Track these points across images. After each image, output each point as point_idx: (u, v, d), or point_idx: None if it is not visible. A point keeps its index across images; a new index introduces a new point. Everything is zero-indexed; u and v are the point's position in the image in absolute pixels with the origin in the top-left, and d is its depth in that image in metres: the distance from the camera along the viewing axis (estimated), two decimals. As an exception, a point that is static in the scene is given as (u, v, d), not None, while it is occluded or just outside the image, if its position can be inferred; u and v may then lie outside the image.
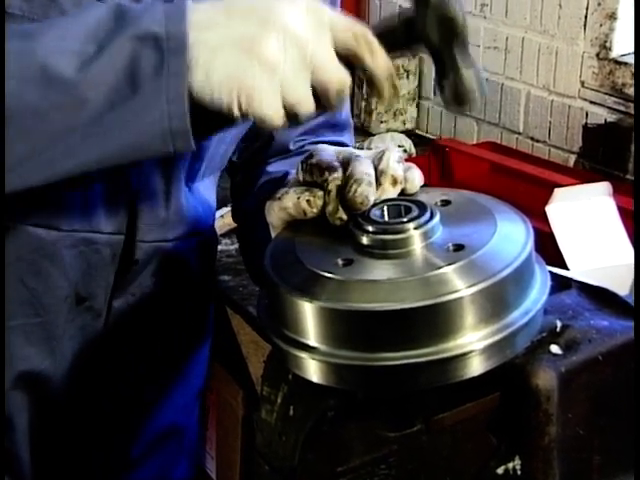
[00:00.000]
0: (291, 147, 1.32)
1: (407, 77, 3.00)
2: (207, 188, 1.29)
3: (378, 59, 0.89)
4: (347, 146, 1.26)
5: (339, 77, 0.88)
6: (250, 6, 0.88)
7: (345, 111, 1.38)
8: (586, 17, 2.45)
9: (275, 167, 1.29)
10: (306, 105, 0.87)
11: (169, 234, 1.20)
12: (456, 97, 0.90)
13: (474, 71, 0.91)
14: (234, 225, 2.09)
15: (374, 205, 0.92)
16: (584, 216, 1.89)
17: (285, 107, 0.87)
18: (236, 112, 0.86)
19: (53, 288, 1.15)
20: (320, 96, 0.88)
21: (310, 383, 0.86)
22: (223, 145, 1.25)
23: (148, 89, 0.86)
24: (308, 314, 0.84)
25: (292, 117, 0.88)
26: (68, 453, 1.27)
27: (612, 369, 0.90)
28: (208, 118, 0.88)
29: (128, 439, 1.32)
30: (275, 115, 0.86)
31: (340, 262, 0.87)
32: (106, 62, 0.86)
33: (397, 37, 0.92)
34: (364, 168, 0.92)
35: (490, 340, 0.82)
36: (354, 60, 0.89)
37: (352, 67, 0.90)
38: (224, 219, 2.13)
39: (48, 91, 0.87)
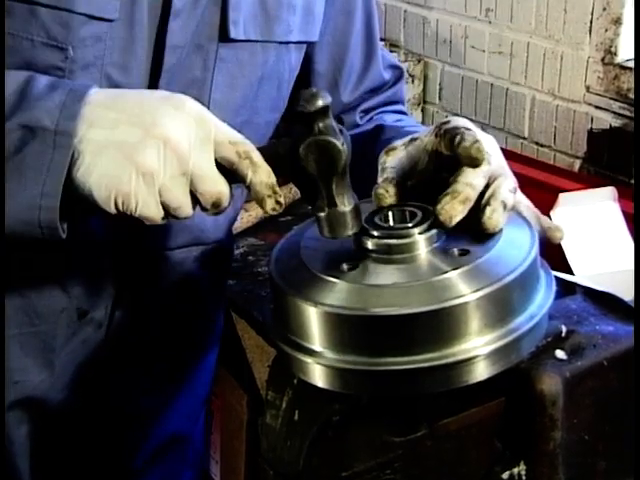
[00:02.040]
0: (359, 122, 1.35)
1: (412, 82, 3.00)
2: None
3: (260, 175, 0.90)
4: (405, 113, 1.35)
5: (217, 190, 0.90)
6: (139, 110, 0.90)
7: (385, 65, 1.39)
8: (591, 22, 2.45)
9: None
10: (185, 209, 0.91)
11: (171, 243, 1.20)
12: (330, 231, 0.90)
13: (351, 208, 0.89)
14: (257, 220, 2.10)
15: (378, 210, 0.92)
16: (589, 221, 1.89)
17: (164, 209, 0.90)
18: (113, 210, 0.89)
19: (47, 296, 1.14)
20: (199, 203, 0.91)
21: (315, 388, 0.86)
22: None
23: (28, 178, 0.90)
24: (313, 319, 0.84)
25: (172, 217, 0.91)
26: (68, 465, 1.26)
27: (617, 374, 0.90)
28: (87, 207, 0.91)
29: (130, 450, 1.31)
30: (154, 216, 0.90)
31: (345, 267, 0.87)
32: None
33: (283, 162, 0.92)
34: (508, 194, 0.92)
35: (495, 345, 0.82)
36: (235, 174, 0.91)
37: (236, 180, 0.91)
38: (249, 213, 2.13)
39: None
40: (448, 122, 0.96)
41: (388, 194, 0.92)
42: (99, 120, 0.90)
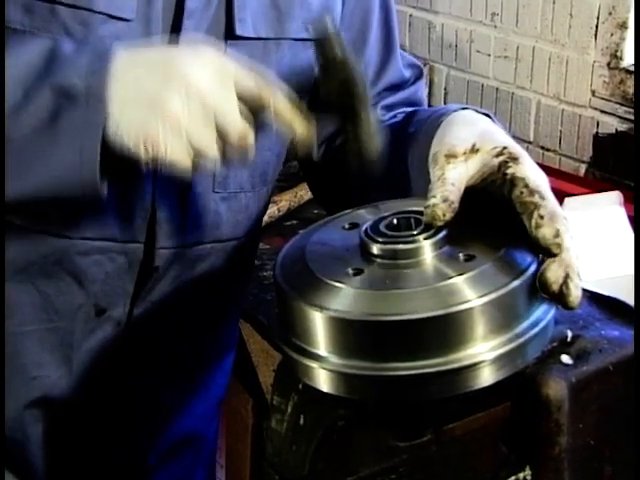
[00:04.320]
0: (382, 118, 1.33)
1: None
2: (249, 197, 1.27)
3: (281, 100, 0.95)
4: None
5: (241, 128, 0.94)
6: (159, 61, 0.96)
7: (404, 64, 1.39)
8: (597, 26, 2.45)
9: None
10: (212, 151, 0.94)
11: (188, 240, 1.20)
12: (359, 162, 0.94)
13: (376, 137, 0.93)
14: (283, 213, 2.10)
15: (384, 218, 0.92)
16: (595, 225, 1.89)
17: (192, 153, 0.93)
18: (145, 159, 0.93)
19: (65, 293, 1.15)
20: (224, 144, 0.95)
21: (320, 393, 0.86)
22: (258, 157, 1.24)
23: (65, 138, 0.94)
24: (318, 324, 0.84)
25: (200, 161, 0.95)
26: (83, 461, 1.26)
27: (623, 379, 0.90)
28: (123, 164, 0.95)
29: (144, 448, 1.32)
30: (182, 161, 0.93)
31: (351, 272, 0.87)
32: (30, 108, 0.95)
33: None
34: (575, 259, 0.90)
35: (501, 350, 0.82)
36: (258, 105, 0.95)
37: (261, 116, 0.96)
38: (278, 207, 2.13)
39: None
40: (514, 161, 0.93)
41: (444, 218, 0.89)
42: (123, 75, 0.94)
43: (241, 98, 0.95)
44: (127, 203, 1.13)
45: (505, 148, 0.94)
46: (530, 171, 0.92)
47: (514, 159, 0.93)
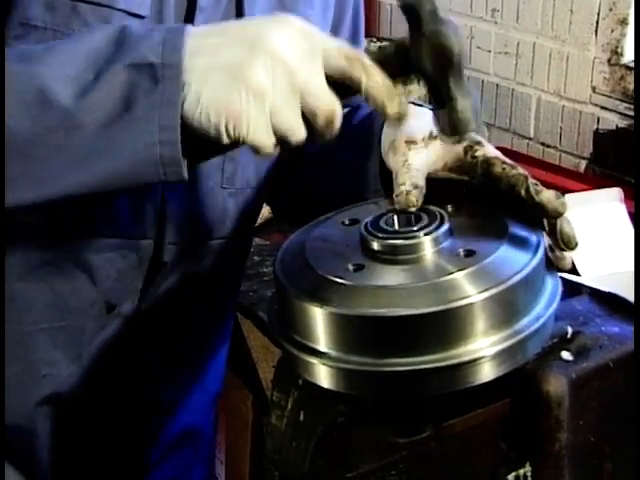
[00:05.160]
0: None
1: (418, 82, 3.00)
2: (254, 194, 1.26)
3: (375, 78, 0.88)
4: None
5: (329, 105, 0.87)
6: (241, 30, 0.88)
7: None
8: (597, 22, 2.45)
9: None
10: (297, 132, 0.87)
11: (196, 236, 1.20)
12: (451, 127, 0.89)
13: (470, 102, 0.89)
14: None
15: (384, 214, 0.92)
16: (595, 222, 1.89)
17: (275, 133, 0.86)
18: (225, 138, 0.86)
19: (78, 291, 1.15)
20: (310, 123, 0.88)
21: (320, 389, 0.86)
22: None
23: (142, 117, 0.87)
24: (318, 319, 0.84)
25: (284, 143, 0.88)
26: (87, 456, 1.27)
27: (623, 375, 0.90)
28: (201, 144, 0.89)
29: (146, 443, 1.32)
30: (266, 141, 0.86)
31: (351, 267, 0.87)
32: (102, 90, 0.88)
33: (392, 65, 0.90)
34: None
35: (501, 346, 0.82)
36: (350, 83, 0.88)
37: (348, 94, 0.89)
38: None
39: (44, 115, 0.88)
40: (478, 144, 0.96)
41: (418, 204, 0.91)
42: (201, 48, 0.87)
43: (330, 75, 0.87)
44: (138, 199, 1.13)
45: (473, 147, 0.96)
46: (496, 151, 0.95)
47: (477, 142, 0.96)
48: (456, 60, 0.87)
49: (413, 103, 1.08)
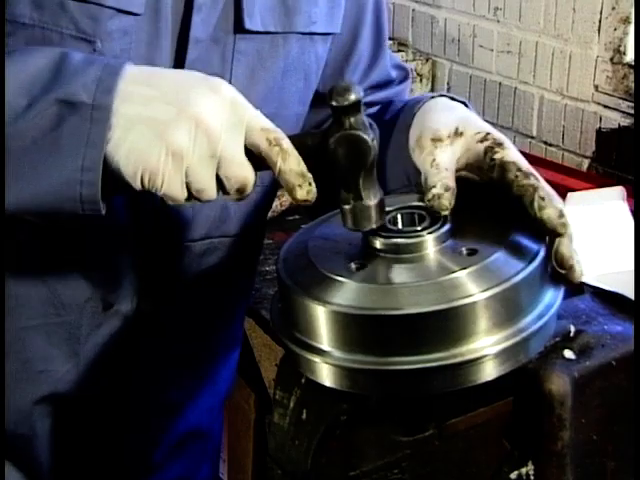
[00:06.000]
0: None
1: (420, 81, 3.00)
2: (257, 193, 1.25)
3: (290, 163, 0.89)
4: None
5: (243, 174, 0.90)
6: (174, 88, 0.90)
7: (391, 64, 1.37)
8: (600, 21, 2.45)
9: None
10: (209, 192, 0.90)
11: (196, 234, 1.20)
12: (354, 223, 0.89)
13: (375, 204, 0.89)
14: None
15: (387, 212, 0.92)
16: (597, 221, 1.88)
17: (189, 189, 0.90)
18: (139, 186, 0.89)
19: (73, 287, 1.15)
20: (224, 187, 0.91)
21: (323, 387, 0.86)
22: None
23: (66, 153, 0.89)
24: (321, 318, 0.84)
25: (196, 198, 0.91)
26: (89, 457, 1.27)
27: (626, 374, 0.90)
28: (118, 183, 0.91)
29: (151, 442, 1.32)
30: (179, 196, 0.90)
31: (353, 266, 0.87)
32: (32, 120, 0.90)
33: (310, 151, 0.91)
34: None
35: (503, 345, 0.82)
36: (265, 161, 0.90)
37: (264, 168, 0.91)
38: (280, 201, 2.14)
39: None
40: (499, 146, 0.94)
41: (450, 206, 0.90)
42: (133, 95, 0.90)
43: (249, 148, 0.90)
44: (131, 198, 1.13)
45: (488, 134, 0.96)
46: (517, 155, 0.94)
47: (499, 144, 0.95)
48: (369, 164, 0.88)
49: (442, 95, 1.08)
